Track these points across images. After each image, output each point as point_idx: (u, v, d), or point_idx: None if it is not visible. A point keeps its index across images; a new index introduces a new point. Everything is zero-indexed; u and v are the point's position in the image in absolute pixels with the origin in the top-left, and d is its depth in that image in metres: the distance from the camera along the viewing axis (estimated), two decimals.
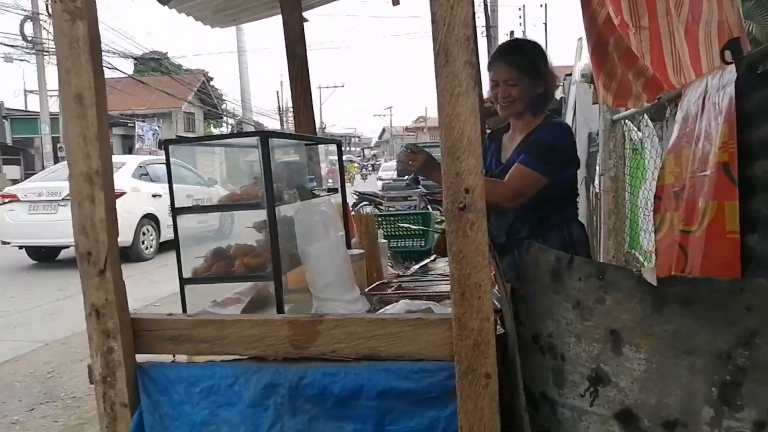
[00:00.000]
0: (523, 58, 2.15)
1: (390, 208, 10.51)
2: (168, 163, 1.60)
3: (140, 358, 1.49)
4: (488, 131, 2.54)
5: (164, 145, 1.59)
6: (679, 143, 2.28)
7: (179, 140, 1.71)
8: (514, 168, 2.02)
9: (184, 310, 1.65)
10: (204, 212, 1.62)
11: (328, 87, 50.72)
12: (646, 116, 3.38)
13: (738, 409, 1.12)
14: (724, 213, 1.82)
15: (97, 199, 1.41)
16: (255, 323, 1.42)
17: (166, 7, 3.23)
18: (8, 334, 5.42)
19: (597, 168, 4.90)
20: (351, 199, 12.38)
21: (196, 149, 2.09)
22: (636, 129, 3.78)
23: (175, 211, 1.58)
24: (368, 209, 11.16)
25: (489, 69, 2.21)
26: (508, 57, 2.17)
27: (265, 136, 1.50)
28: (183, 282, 1.61)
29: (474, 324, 1.25)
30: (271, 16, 3.70)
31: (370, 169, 39.89)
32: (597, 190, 4.96)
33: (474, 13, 2.92)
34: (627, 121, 3.98)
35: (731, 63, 1.75)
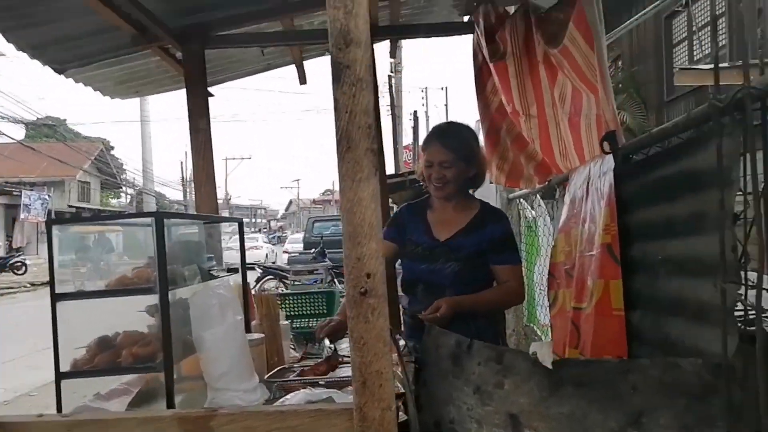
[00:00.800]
0: (459, 141, 2.20)
1: (296, 282, 10.31)
2: (50, 242, 1.48)
3: None
4: (404, 204, 2.56)
5: (47, 225, 1.48)
6: (568, 224, 2.44)
7: (65, 220, 1.60)
8: (510, 269, 2.20)
9: (59, 409, 1.48)
10: (89, 298, 1.50)
11: (234, 158, 50.33)
12: (538, 196, 3.60)
13: None
14: (609, 291, 1.94)
15: None
16: (141, 421, 1.30)
17: (62, 75, 3.12)
18: None
19: None
20: (255, 274, 12.06)
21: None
22: (530, 208, 4.01)
23: (55, 297, 1.45)
24: (272, 284, 10.91)
25: (423, 149, 2.26)
26: (444, 139, 2.21)
27: (160, 216, 1.43)
28: (60, 377, 1.46)
29: (375, 413, 1.22)
30: (176, 89, 3.66)
31: (276, 241, 39.33)
32: None
33: (377, 100, 3.02)
34: (521, 200, 4.22)
35: (609, 153, 1.91)
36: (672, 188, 1.54)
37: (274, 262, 18.93)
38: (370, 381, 1.22)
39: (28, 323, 9.26)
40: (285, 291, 6.76)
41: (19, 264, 20.23)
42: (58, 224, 1.52)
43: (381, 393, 1.22)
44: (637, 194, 1.83)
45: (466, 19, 3.34)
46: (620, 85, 8.75)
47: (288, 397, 1.54)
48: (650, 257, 1.73)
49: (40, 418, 1.32)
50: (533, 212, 3.92)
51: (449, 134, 2.24)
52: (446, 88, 29.36)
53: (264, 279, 11.55)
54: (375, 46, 3.32)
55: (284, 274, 11.58)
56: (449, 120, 2.27)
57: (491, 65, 2.84)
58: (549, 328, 3.07)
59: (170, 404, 1.43)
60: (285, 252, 22.05)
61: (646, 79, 9.28)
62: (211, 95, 3.22)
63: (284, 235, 42.01)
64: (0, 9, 2.44)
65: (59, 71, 3.01)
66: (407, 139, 23.00)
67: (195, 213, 2.41)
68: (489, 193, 5.93)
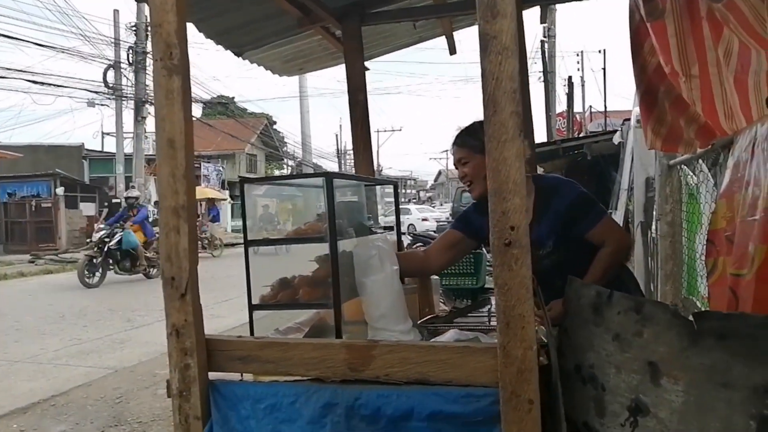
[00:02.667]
0: (470, 137, 2.10)
1: None
2: (242, 199, 1.78)
3: (212, 375, 1.64)
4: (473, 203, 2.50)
5: (240, 183, 1.78)
6: (731, 188, 2.31)
7: (253, 180, 1.90)
8: (600, 228, 2.08)
9: (252, 334, 1.80)
10: (273, 245, 1.79)
11: (385, 131, 51.80)
12: (701, 161, 3.39)
13: None
14: None
15: (182, 231, 1.60)
16: (316, 347, 1.56)
17: (240, 58, 3.53)
18: (81, 360, 5.75)
19: (654, 213, 4.86)
20: (405, 240, 12.52)
21: (261, 188, 2.27)
22: (692, 174, 3.78)
23: (247, 243, 1.75)
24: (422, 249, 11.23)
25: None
26: (457, 139, 2.16)
27: (329, 176, 1.66)
28: (252, 308, 1.77)
29: (518, 352, 1.34)
30: (335, 65, 3.97)
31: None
32: (654, 235, 4.91)
33: (525, 65, 3.04)
34: (683, 166, 3.98)
35: None
36: None
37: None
38: (513, 323, 1.35)
39: (209, 279, 10.57)
40: None
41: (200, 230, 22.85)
42: (248, 183, 1.81)
43: (523, 334, 1.34)
44: None
45: None
46: None
47: (438, 337, 1.72)
48: None
49: (239, 338, 1.63)
50: (695, 178, 3.70)
51: (463, 133, 2.15)
52: (604, 50, 27.41)
53: (414, 245, 11.94)
54: (525, 12, 3.32)
55: (432, 240, 11.88)
56: (472, 121, 2.13)
57: (648, 25, 2.72)
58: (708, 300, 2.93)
59: (338, 336, 1.68)
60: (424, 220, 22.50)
61: None
62: (367, 69, 3.46)
63: (433, 205, 42.56)
64: (192, 3, 2.84)
65: (238, 54, 3.43)
66: (561, 106, 22.05)
67: (355, 174, 2.66)
68: (648, 159, 5.63)
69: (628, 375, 1.32)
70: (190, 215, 1.60)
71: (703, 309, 3.68)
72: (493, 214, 1.36)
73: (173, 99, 1.59)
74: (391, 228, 2.34)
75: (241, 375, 1.69)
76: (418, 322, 2.04)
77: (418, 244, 12.11)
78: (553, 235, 2.08)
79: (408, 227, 18.19)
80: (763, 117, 1.99)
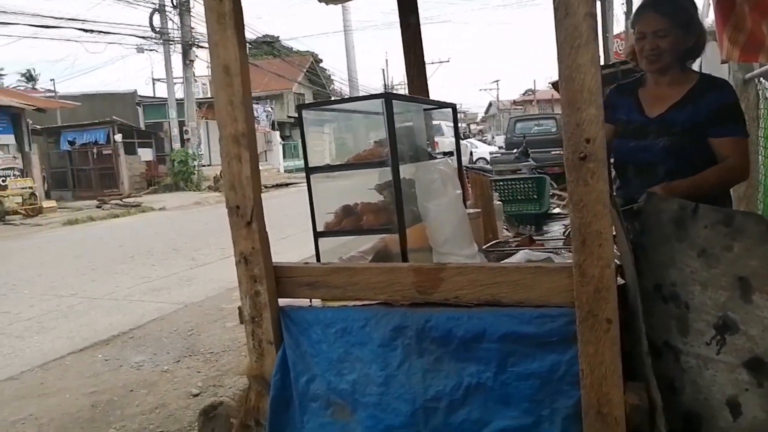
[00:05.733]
0: (675, 8, 2.05)
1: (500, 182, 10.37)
2: (301, 126, 1.75)
3: (282, 302, 1.67)
4: (616, 83, 2.43)
5: (298, 110, 1.75)
6: None
7: (310, 105, 1.86)
8: (731, 141, 1.99)
9: (318, 260, 1.81)
10: (334, 171, 1.76)
11: (433, 63, 50.44)
12: None
13: None
14: None
15: (243, 159, 1.58)
16: (383, 271, 1.54)
17: None
18: (153, 297, 6.05)
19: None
20: None
21: (319, 116, 2.21)
22: None
23: (309, 170, 1.73)
24: None
25: (634, 22, 2.14)
26: (659, 7, 2.07)
27: (389, 98, 1.60)
28: (317, 235, 1.77)
29: (595, 271, 1.29)
30: None
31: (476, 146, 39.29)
32: None
33: None
34: (761, 79, 3.69)
35: None
36: None
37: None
38: (589, 240, 1.29)
39: (266, 218, 10.79)
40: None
41: None
42: (306, 108, 1.78)
43: (600, 252, 1.28)
44: None
45: None
46: None
47: (509, 258, 1.68)
48: None
49: (306, 265, 1.64)
50: None
51: (664, 1, 2.05)
52: None
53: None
54: None
55: (488, 174, 11.71)
56: None
57: None
58: None
59: (404, 260, 1.66)
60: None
61: None
62: None
63: (485, 138, 41.67)
64: None
65: None
66: (619, 27, 20.77)
67: (414, 96, 2.58)
68: (722, 75, 5.26)
69: (715, 292, 1.25)
70: (250, 142, 1.59)
71: None
72: (567, 126, 1.28)
73: (225, 23, 1.54)
74: (450, 153, 2.27)
75: (310, 300, 1.71)
76: (484, 246, 2.00)
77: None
78: (688, 123, 2.03)
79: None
80: None
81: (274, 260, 1.66)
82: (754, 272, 1.19)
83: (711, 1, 2.95)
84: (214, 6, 1.55)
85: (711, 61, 5.60)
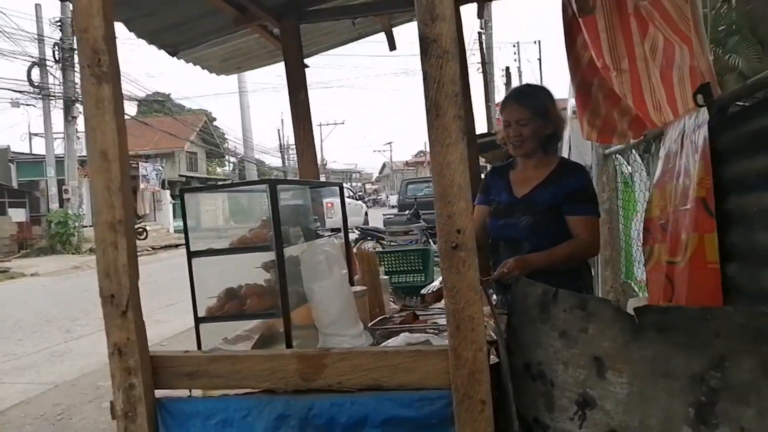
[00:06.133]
0: (533, 100, 2.30)
1: (392, 243, 10.62)
2: (183, 210, 1.72)
3: (159, 393, 1.58)
4: (488, 167, 2.70)
5: (180, 193, 1.72)
6: (663, 178, 2.41)
7: (194, 189, 1.84)
8: (583, 220, 2.23)
9: (199, 347, 1.75)
10: (217, 255, 1.74)
11: (328, 124, 51.50)
12: (634, 151, 3.52)
13: (713, 427, 1.22)
14: (704, 245, 1.94)
15: (120, 246, 1.53)
16: (266, 358, 1.52)
17: (174, 57, 3.41)
18: (17, 377, 5.48)
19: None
20: (353, 235, 12.52)
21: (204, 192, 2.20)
22: (626, 163, 3.92)
23: (190, 255, 1.70)
24: (370, 245, 11.27)
25: (501, 111, 2.38)
26: (519, 99, 2.33)
27: (273, 184, 1.63)
28: (198, 320, 1.72)
29: (468, 354, 1.36)
30: (274, 63, 3.89)
31: (371, 204, 40.04)
32: None
33: (465, 63, 3.07)
34: (618, 155, 4.13)
35: (703, 106, 1.89)
36: None
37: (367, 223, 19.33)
38: (463, 325, 1.36)
39: (153, 283, 10.25)
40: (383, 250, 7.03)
41: (140, 230, 22.07)
42: (189, 192, 1.76)
43: (473, 336, 1.36)
44: (732, 147, 1.81)
45: None
46: (733, 27, 8.08)
47: (390, 341, 1.72)
48: (746, 210, 1.72)
49: (186, 353, 1.58)
50: (629, 168, 3.84)
51: (524, 94, 2.34)
52: (539, 41, 28.13)
53: (362, 240, 11.97)
54: (463, 7, 3.35)
55: (381, 235, 11.95)
56: (526, 83, 2.35)
57: (580, 20, 2.80)
58: (646, 284, 3.06)
59: (289, 345, 1.65)
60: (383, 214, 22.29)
61: (765, 14, 8.47)
62: (307, 66, 3.41)
63: (379, 198, 42.61)
64: (121, 2, 2.72)
65: (172, 53, 3.31)
66: (500, 96, 22.47)
67: (299, 179, 2.63)
68: (585, 148, 5.81)
69: (575, 370, 1.36)
70: (128, 230, 1.54)
71: (639, 293, 3.85)
72: (439, 218, 1.36)
73: (103, 108, 1.51)
74: (338, 230, 2.32)
75: (190, 391, 1.64)
76: (369, 324, 2.03)
77: (366, 238, 12.10)
78: (549, 202, 2.24)
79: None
80: (691, 110, 2.08)
81: (152, 338, 1.59)
82: (606, 352, 1.31)
83: (572, 86, 3.29)
84: (93, 91, 1.52)
85: (578, 137, 6.19)
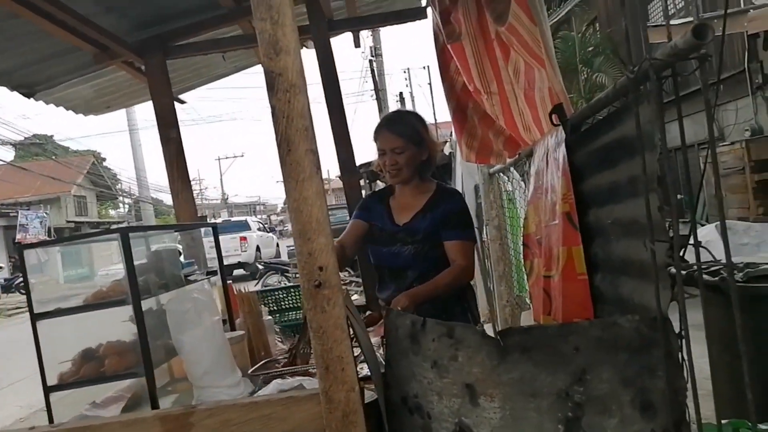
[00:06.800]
0: (406, 128, 2.29)
1: (297, 276, 10.42)
2: (24, 269, 1.56)
3: None
4: (369, 193, 2.67)
5: (18, 251, 1.56)
6: (536, 195, 2.51)
7: (34, 245, 1.67)
8: (458, 245, 2.22)
9: (51, 420, 1.57)
10: (66, 314, 1.58)
11: (227, 158, 50.35)
12: (513, 170, 3.67)
13: None
14: (573, 257, 2.01)
15: None
16: (125, 424, 1.38)
17: (32, 99, 3.17)
18: None
19: (483, 218, 5.19)
20: (257, 270, 12.19)
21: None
22: (507, 180, 4.08)
23: (34, 317, 1.53)
24: (275, 278, 11.02)
25: (375, 139, 2.34)
26: (392, 127, 2.30)
27: (125, 232, 1.51)
28: (48, 390, 1.55)
29: (341, 395, 1.30)
30: (148, 100, 3.72)
31: (279, 235, 39.37)
32: (486, 239, 5.24)
33: (339, 90, 3.06)
34: (500, 174, 4.28)
35: (558, 125, 1.98)
36: (612, 155, 1.61)
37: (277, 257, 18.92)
38: (332, 366, 1.30)
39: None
40: (287, 284, 6.88)
41: (23, 284, 20.36)
42: (28, 249, 1.59)
43: (344, 376, 1.30)
44: (586, 162, 1.90)
45: (424, 2, 3.39)
46: (599, 48, 8.78)
47: (261, 390, 1.63)
48: (602, 222, 1.81)
49: (32, 430, 1.41)
50: (511, 185, 3.99)
51: (397, 121, 2.34)
52: (428, 66, 29.15)
53: (267, 274, 11.68)
54: (341, 37, 3.37)
55: (285, 267, 11.72)
56: (396, 109, 2.36)
57: (449, 47, 2.89)
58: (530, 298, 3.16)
59: (154, 406, 1.52)
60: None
61: (624, 37, 9.25)
62: (182, 102, 3.29)
63: (285, 228, 42.00)
64: None
65: (28, 95, 3.07)
66: None
67: (157, 225, 2.48)
68: (473, 168, 6.01)
69: (449, 400, 1.33)
70: None
71: (531, 306, 3.98)
72: (300, 255, 1.31)
73: None
74: (215, 272, 2.20)
75: None
76: (251, 369, 1.93)
77: (270, 272, 11.82)
78: (428, 229, 2.24)
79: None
80: (551, 129, 2.18)
81: (7, 421, 1.40)
82: (476, 378, 1.30)
83: (449, 110, 3.38)
84: None
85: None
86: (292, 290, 2.64)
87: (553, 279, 2.21)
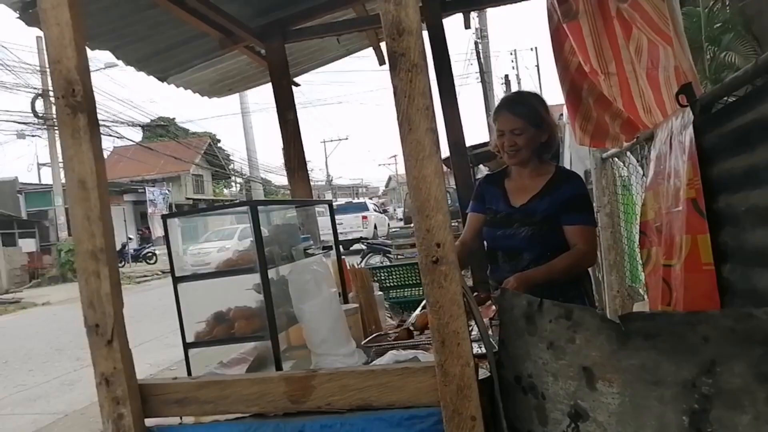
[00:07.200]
0: (527, 109, 2.27)
1: (399, 256, 10.57)
2: (167, 234, 1.72)
3: (149, 421, 1.57)
4: (486, 174, 2.66)
5: (163, 219, 1.72)
6: (656, 180, 2.39)
7: (176, 214, 1.83)
8: (579, 229, 2.19)
9: (189, 373, 1.74)
10: (202, 279, 1.73)
11: (332, 140, 51.73)
12: (629, 154, 3.50)
13: None
14: (698, 246, 1.91)
15: (102, 275, 1.52)
16: (254, 382, 1.50)
17: (165, 83, 3.43)
18: (28, 408, 5.47)
19: (594, 205, 4.99)
20: (360, 249, 12.52)
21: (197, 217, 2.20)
22: (623, 166, 3.89)
23: (175, 280, 1.69)
24: (377, 259, 11.24)
25: (494, 120, 2.34)
26: (512, 108, 2.29)
27: (254, 205, 1.62)
28: (187, 346, 1.71)
29: (455, 369, 1.33)
30: (265, 83, 3.91)
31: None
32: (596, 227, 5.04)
33: (451, 71, 3.07)
34: (615, 159, 4.10)
35: (686, 105, 1.87)
36: (751, 137, 1.51)
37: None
38: (448, 340, 1.33)
39: (163, 307, 10.26)
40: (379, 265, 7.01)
41: (150, 254, 22.18)
42: (171, 217, 1.75)
43: (459, 351, 1.33)
44: (718, 145, 1.78)
45: None
46: (728, 24, 8.06)
47: (378, 360, 1.70)
48: (735, 209, 1.69)
49: (174, 380, 1.57)
50: (626, 170, 3.81)
51: (517, 102, 2.30)
52: (536, 48, 28.19)
53: (368, 255, 11.94)
54: (448, 19, 3.35)
55: (387, 248, 11.91)
56: (517, 90, 2.32)
57: (565, 26, 2.79)
58: (646, 288, 3.02)
59: (278, 368, 1.63)
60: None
61: (759, 10, 8.43)
62: (297, 85, 3.43)
63: (386, 210, 42.62)
64: (106, 31, 2.75)
65: (162, 79, 3.33)
66: None
67: (284, 199, 2.62)
68: (584, 153, 5.78)
69: (565, 382, 1.33)
70: (109, 258, 1.53)
71: (645, 297, 3.79)
72: (418, 232, 1.35)
73: (80, 138, 1.51)
74: (330, 247, 2.30)
75: (181, 418, 1.62)
76: (363, 342, 2.01)
77: (371, 253, 12.03)
78: (546, 211, 2.21)
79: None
80: (677, 111, 2.06)
81: (170, 361, 1.58)
82: (594, 362, 1.28)
83: (562, 92, 3.28)
84: (68, 121, 1.52)
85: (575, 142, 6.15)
86: (403, 268, 2.70)
87: (675, 268, 2.11)
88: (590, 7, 2.56)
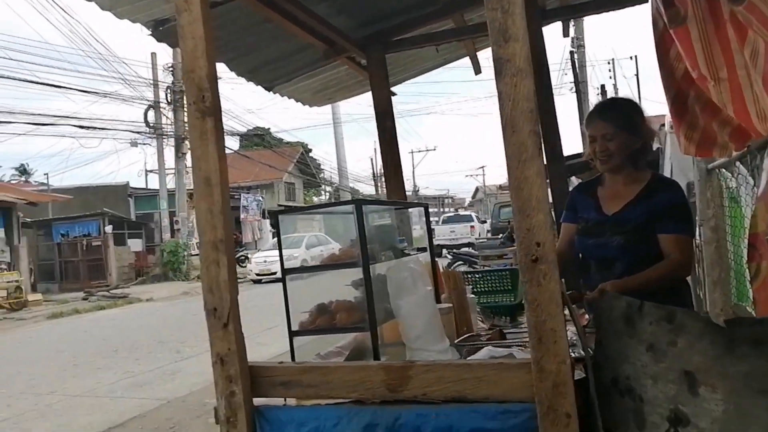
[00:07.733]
0: (619, 114, 2.24)
1: (485, 267, 10.46)
2: (278, 230, 1.86)
3: (256, 401, 1.70)
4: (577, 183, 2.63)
5: (273, 215, 1.86)
6: None
7: (286, 210, 1.97)
8: (675, 238, 2.11)
9: (293, 359, 1.86)
10: (308, 272, 1.85)
11: (420, 151, 51.98)
12: (739, 164, 3.32)
13: None
14: None
15: (221, 263, 1.67)
16: (354, 369, 1.60)
17: (271, 92, 3.65)
18: (135, 393, 5.93)
19: (696, 218, 4.75)
20: (446, 260, 12.54)
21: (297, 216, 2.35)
22: (731, 177, 3.70)
23: (284, 272, 1.82)
24: (462, 269, 11.18)
25: (587, 126, 2.33)
26: (603, 114, 2.28)
27: (359, 203, 1.72)
28: (292, 334, 1.83)
29: (552, 366, 1.36)
30: (363, 93, 4.07)
31: None
32: (698, 241, 4.79)
33: (550, 80, 3.07)
34: (722, 169, 3.90)
35: None
36: None
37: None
38: (545, 338, 1.36)
39: (255, 306, 10.74)
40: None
41: (243, 257, 23.22)
42: (283, 214, 1.89)
43: (556, 348, 1.36)
44: None
45: None
46: None
47: (473, 355, 1.74)
48: None
49: (281, 364, 1.69)
50: (735, 181, 3.61)
51: (609, 108, 2.29)
52: (636, 56, 27.05)
53: (455, 264, 11.91)
54: (549, 27, 3.35)
55: (473, 259, 11.82)
56: (611, 97, 2.28)
57: (672, 31, 2.72)
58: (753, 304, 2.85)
59: (376, 358, 1.72)
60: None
61: None
62: (394, 94, 3.54)
63: (485, 221, 42.23)
64: (221, 45, 2.98)
65: (268, 89, 3.55)
66: None
67: (384, 200, 2.73)
68: (686, 164, 5.51)
69: (665, 385, 1.32)
70: (228, 248, 1.68)
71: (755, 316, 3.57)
72: (518, 231, 1.39)
73: (207, 139, 1.68)
74: (423, 249, 2.37)
75: (285, 399, 1.74)
76: (456, 341, 2.06)
77: (458, 263, 12.00)
78: (639, 219, 2.15)
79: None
80: None
81: (250, 360, 1.71)
82: (697, 367, 1.26)
83: (666, 100, 3.18)
84: (197, 124, 1.69)
85: (678, 152, 5.88)
86: (498, 273, 2.72)
87: None
88: (699, 12, 2.48)
